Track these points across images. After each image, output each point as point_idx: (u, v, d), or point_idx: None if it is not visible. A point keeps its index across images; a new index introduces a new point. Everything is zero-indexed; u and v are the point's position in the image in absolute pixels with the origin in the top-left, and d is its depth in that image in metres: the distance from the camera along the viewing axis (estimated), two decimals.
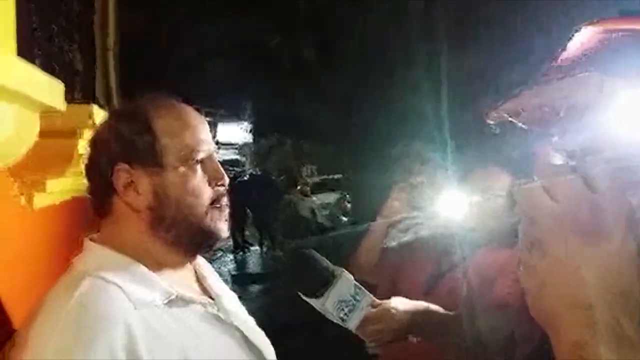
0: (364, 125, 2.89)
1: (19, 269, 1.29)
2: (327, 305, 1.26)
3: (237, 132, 14.46)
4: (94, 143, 1.09)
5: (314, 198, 8.82)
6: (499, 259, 1.53)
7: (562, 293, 0.56)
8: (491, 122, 1.04)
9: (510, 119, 1.07)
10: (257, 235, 10.52)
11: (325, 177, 11.04)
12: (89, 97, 1.81)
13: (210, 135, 1.13)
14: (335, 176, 10.21)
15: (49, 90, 1.05)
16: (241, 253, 10.20)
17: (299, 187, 8.57)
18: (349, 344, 1.53)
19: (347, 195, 8.90)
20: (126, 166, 1.04)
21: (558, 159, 0.62)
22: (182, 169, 1.06)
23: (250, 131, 12.77)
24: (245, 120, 12.80)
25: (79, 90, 1.73)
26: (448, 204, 1.81)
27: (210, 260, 1.35)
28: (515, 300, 1.34)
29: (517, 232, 0.62)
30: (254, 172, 12.66)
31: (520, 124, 1.07)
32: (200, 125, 1.12)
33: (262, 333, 1.20)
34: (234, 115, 13.06)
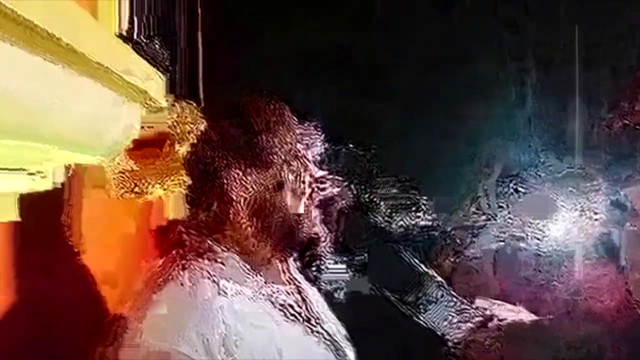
0: (443, 127, 2.78)
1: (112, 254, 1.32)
2: (417, 304, 1.27)
3: None
4: (198, 142, 1.11)
5: (386, 203, 8.77)
6: (595, 273, 1.53)
7: None
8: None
9: None
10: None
11: (397, 181, 10.98)
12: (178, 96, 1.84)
13: (309, 135, 1.14)
14: (409, 179, 10.14)
15: (155, 84, 1.05)
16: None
17: (370, 193, 8.54)
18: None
19: (423, 201, 8.79)
20: (229, 164, 1.06)
21: None
22: (283, 167, 1.07)
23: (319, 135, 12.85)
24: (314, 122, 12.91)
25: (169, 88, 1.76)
26: (543, 217, 1.78)
27: None
28: (606, 313, 1.41)
29: (608, 249, 0.62)
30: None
31: None
32: (299, 125, 1.13)
33: (344, 333, 1.25)
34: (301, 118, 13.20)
